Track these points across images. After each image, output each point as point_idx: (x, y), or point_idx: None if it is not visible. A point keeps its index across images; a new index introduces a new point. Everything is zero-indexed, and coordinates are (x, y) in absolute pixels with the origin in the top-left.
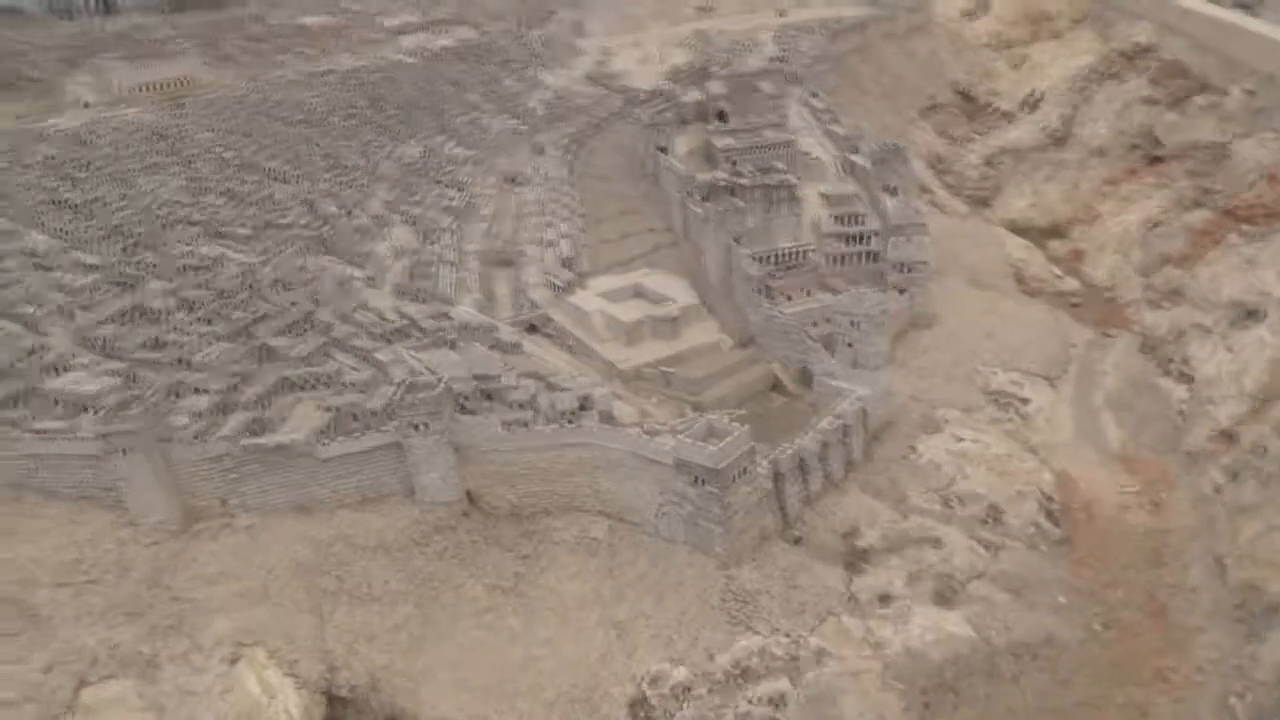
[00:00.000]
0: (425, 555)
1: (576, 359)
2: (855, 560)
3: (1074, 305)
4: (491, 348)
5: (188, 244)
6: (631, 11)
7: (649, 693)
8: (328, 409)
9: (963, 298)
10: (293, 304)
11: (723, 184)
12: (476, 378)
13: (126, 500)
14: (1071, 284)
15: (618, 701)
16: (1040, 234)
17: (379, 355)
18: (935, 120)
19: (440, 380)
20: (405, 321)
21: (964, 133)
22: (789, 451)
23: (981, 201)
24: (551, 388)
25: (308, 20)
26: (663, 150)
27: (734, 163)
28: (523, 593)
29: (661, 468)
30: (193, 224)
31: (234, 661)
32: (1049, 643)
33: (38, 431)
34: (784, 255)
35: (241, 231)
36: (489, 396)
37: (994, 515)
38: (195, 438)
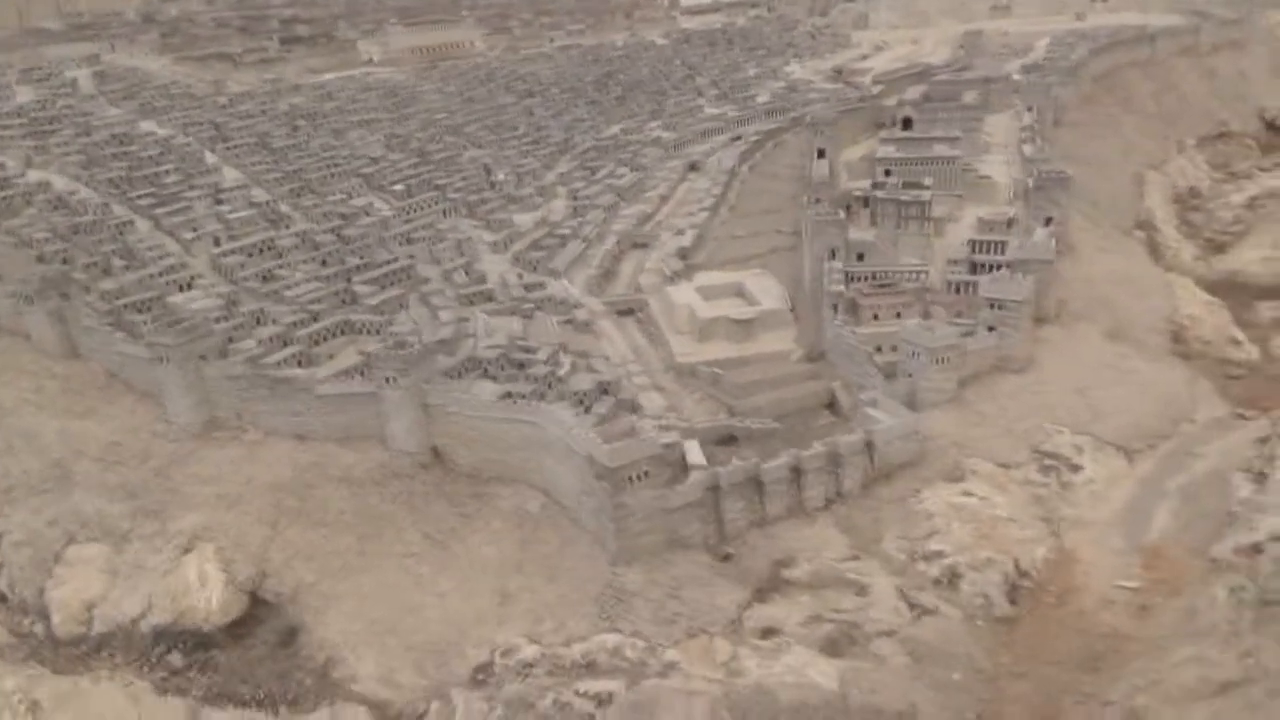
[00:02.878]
0: (380, 495)
1: (651, 347)
2: (769, 589)
3: (1231, 378)
4: (565, 323)
5: (346, 194)
6: (921, 7)
7: (498, 661)
8: (361, 353)
9: (1082, 347)
10: (410, 257)
11: (857, 194)
12: (509, 347)
13: (165, 401)
14: (1246, 354)
15: (469, 661)
16: (1256, 293)
17: (442, 313)
18: (1214, 151)
19: (419, 343)
20: (494, 286)
21: (1246, 168)
22: (729, 468)
23: (1218, 247)
24: (588, 369)
25: None
26: (821, 154)
27: (887, 173)
28: (447, 546)
29: (582, 457)
30: (360, 175)
31: (186, 551)
32: (903, 717)
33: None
34: (884, 274)
35: (397, 188)
36: (521, 366)
37: (949, 577)
38: (225, 357)
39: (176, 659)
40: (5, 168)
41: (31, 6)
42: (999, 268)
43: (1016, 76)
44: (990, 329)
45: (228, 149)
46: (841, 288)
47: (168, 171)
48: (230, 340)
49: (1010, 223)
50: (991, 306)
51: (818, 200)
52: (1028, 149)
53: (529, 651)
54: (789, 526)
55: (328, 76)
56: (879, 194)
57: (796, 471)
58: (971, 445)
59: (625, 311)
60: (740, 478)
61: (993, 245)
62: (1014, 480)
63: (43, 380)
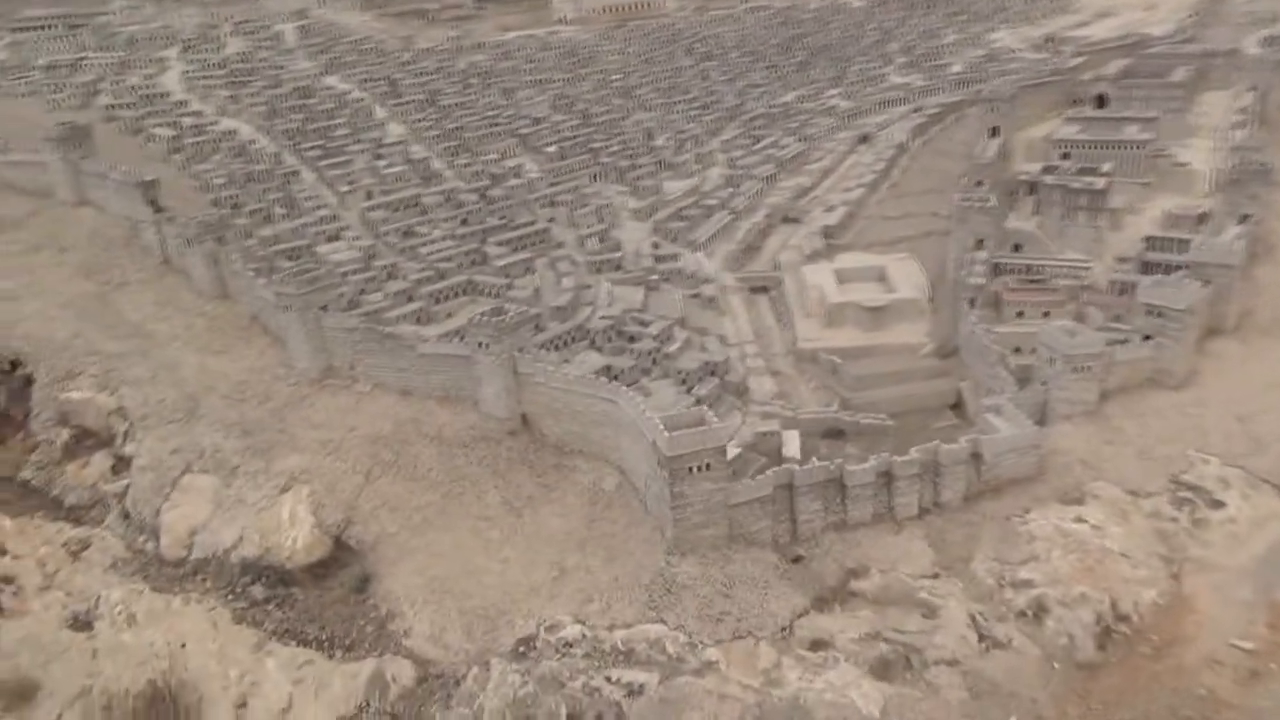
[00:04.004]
0: (468, 457)
1: (779, 328)
2: (831, 598)
3: None
4: (691, 298)
5: (500, 154)
6: None
7: (541, 635)
8: (480, 313)
9: (1259, 366)
10: (550, 220)
11: (1022, 178)
12: (622, 319)
13: (289, 347)
14: None
15: (515, 631)
16: None
17: (565, 279)
18: None
19: (522, 311)
20: (625, 255)
21: None
22: (805, 467)
23: None
24: (701, 348)
25: None
26: (994, 132)
27: (1065, 155)
28: (521, 514)
29: (650, 441)
30: (516, 136)
31: (284, 490)
32: None
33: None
34: (1038, 269)
35: (550, 150)
36: (631, 339)
37: (1035, 610)
38: (355, 308)
39: (258, 591)
40: (202, 115)
41: None
42: (1176, 269)
43: (1253, 51)
44: (1146, 338)
45: (397, 105)
46: (981, 280)
47: (338, 125)
48: (362, 292)
49: (1202, 218)
50: (1149, 313)
51: (978, 183)
52: (1239, 135)
53: (572, 630)
54: (872, 533)
55: (510, 35)
56: (1046, 179)
57: (887, 476)
58: (1100, 466)
59: (759, 289)
60: (819, 478)
61: (1173, 243)
62: (1140, 510)
63: (193, 318)
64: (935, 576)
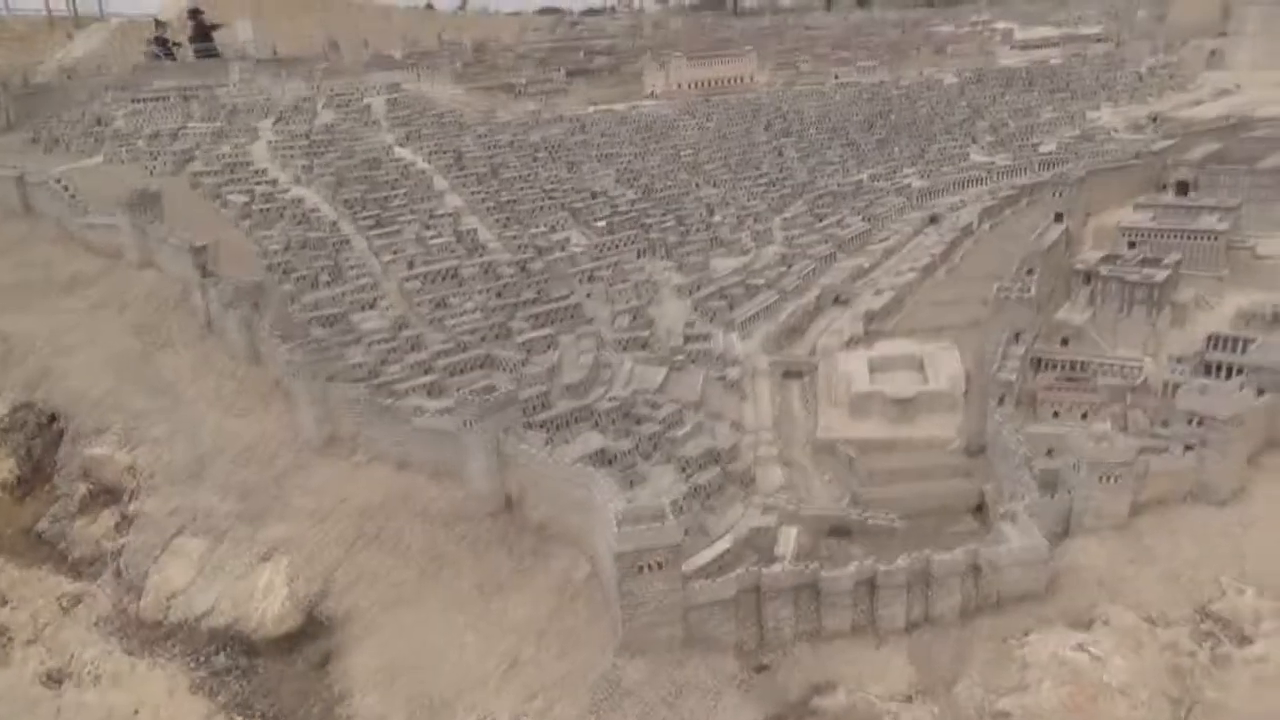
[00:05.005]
0: (449, 535)
1: (806, 416)
2: (789, 715)
3: None
4: (718, 380)
5: (550, 226)
6: None
7: None
8: (468, 390)
9: None
10: (588, 295)
11: (1079, 268)
12: (631, 400)
13: (296, 414)
14: None
15: None
16: None
17: (582, 356)
18: None
19: (511, 390)
20: (653, 333)
21: None
22: (772, 571)
23: None
24: (711, 434)
25: (940, 29)
26: (1059, 217)
27: (1132, 244)
28: (491, 598)
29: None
30: (568, 209)
31: (264, 559)
32: None
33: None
34: (1082, 365)
35: (599, 224)
36: (639, 421)
37: None
38: (367, 378)
39: (221, 660)
40: (277, 183)
41: (389, 36)
42: (1240, 372)
43: None
44: (1188, 448)
45: (459, 176)
46: (1013, 376)
47: (398, 195)
48: (383, 362)
49: (1277, 316)
50: (1190, 421)
51: (1029, 271)
52: None
53: None
54: (849, 645)
55: (591, 109)
56: (1103, 270)
57: (870, 585)
58: (1120, 587)
59: (793, 374)
60: (789, 582)
61: (1239, 343)
62: (1156, 641)
63: (224, 380)
64: (909, 699)
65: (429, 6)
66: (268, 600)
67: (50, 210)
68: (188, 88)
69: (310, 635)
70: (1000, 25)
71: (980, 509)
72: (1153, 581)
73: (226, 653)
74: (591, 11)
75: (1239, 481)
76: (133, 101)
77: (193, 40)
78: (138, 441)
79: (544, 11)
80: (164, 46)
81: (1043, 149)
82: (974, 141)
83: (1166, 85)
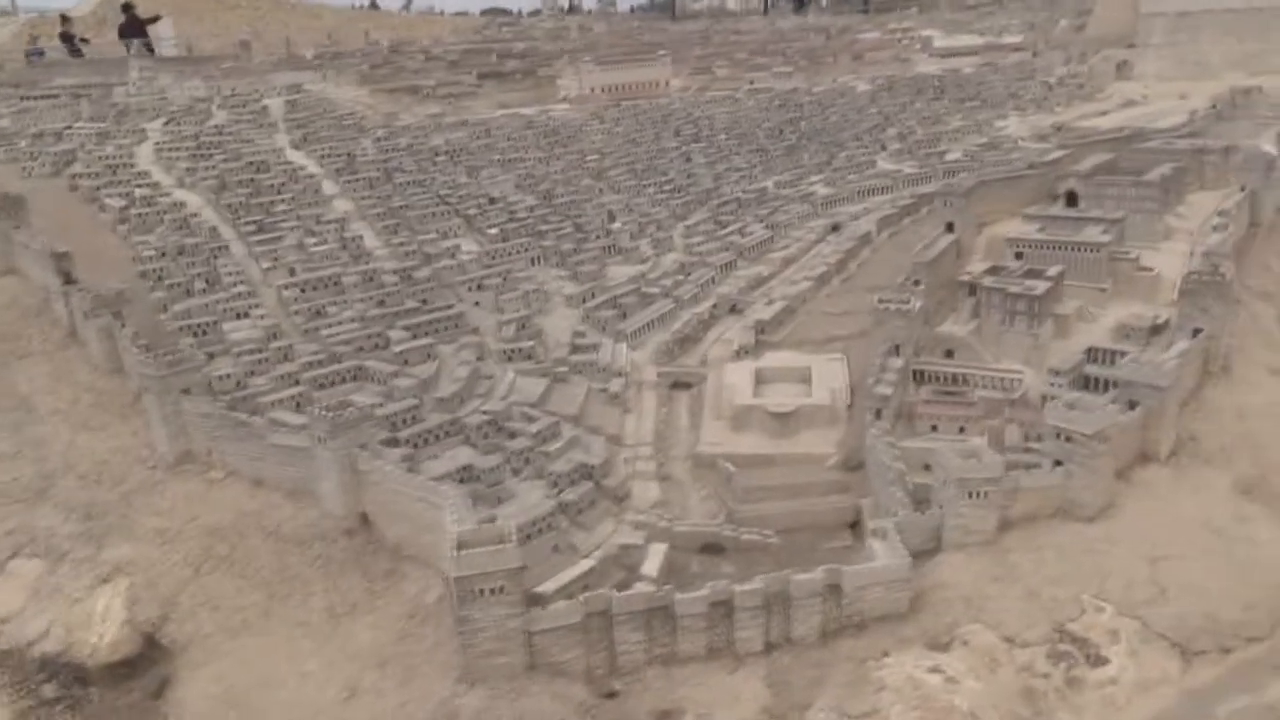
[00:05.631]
0: (302, 556)
1: (692, 430)
2: None
3: None
4: (600, 391)
5: (441, 233)
6: (1203, 55)
7: None
8: (321, 406)
9: (1190, 500)
10: (476, 304)
11: (963, 279)
12: (505, 413)
13: (150, 429)
14: None
15: None
16: None
17: (459, 368)
18: None
19: (365, 406)
20: (536, 344)
21: None
22: (622, 595)
23: None
24: (585, 448)
25: (863, 36)
26: (949, 228)
27: (1018, 255)
28: (340, 622)
29: None
30: (463, 215)
31: (105, 581)
32: None
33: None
34: (962, 378)
35: (492, 231)
36: (513, 435)
37: None
38: (227, 394)
39: (50, 690)
40: (159, 186)
41: (315, 35)
42: (1114, 385)
43: (1268, 149)
44: (1057, 463)
45: (350, 180)
46: (889, 390)
47: (283, 200)
48: (251, 374)
49: (1157, 329)
50: (1057, 437)
51: (915, 282)
52: (1214, 239)
53: None
54: (704, 669)
55: (498, 113)
56: (986, 281)
57: (727, 606)
58: (983, 606)
59: (682, 385)
60: (639, 606)
61: (1116, 356)
62: (1013, 662)
63: (81, 392)
64: None
65: (373, 5)
66: (104, 625)
67: None
68: (84, 86)
69: (149, 662)
70: (922, 33)
71: (856, 525)
72: (1015, 600)
73: (57, 681)
74: (534, 13)
75: (1106, 497)
76: (21, 99)
77: (123, 36)
78: None
79: (488, 12)
80: (70, 43)
81: (949, 157)
82: (882, 149)
83: (1075, 95)
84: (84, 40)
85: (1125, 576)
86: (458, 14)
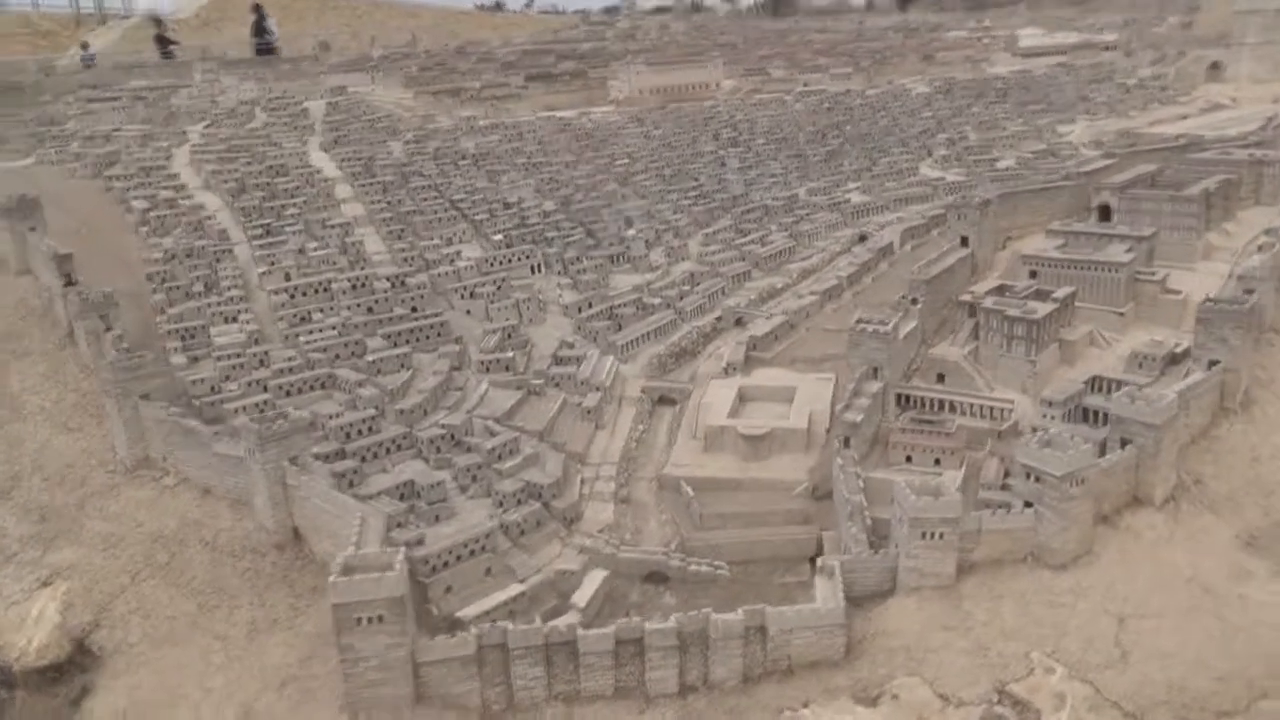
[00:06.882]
0: (234, 568)
1: (667, 449)
2: None
3: None
4: (576, 406)
5: (446, 239)
6: None
7: None
8: (255, 417)
9: (1181, 551)
10: (468, 312)
11: (962, 300)
12: (463, 426)
13: (111, 434)
14: None
15: None
16: None
17: (431, 377)
18: None
19: (301, 417)
20: (516, 355)
21: None
22: (517, 629)
23: None
24: (540, 466)
25: (948, 34)
26: (964, 242)
27: (1033, 274)
28: (258, 636)
29: None
30: (470, 220)
31: (45, 585)
32: None
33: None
34: (941, 405)
35: (496, 237)
36: (468, 450)
37: None
38: (201, 399)
39: None
40: (184, 189)
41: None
42: (1099, 420)
43: None
44: (1028, 505)
45: (364, 185)
46: (858, 417)
47: (294, 204)
48: (226, 379)
49: (1176, 359)
50: (1027, 477)
51: (913, 301)
52: (1253, 260)
53: None
54: (609, 709)
55: (532, 116)
56: (986, 303)
57: (639, 645)
58: (924, 658)
59: (668, 401)
60: (536, 641)
61: (1117, 387)
62: None
63: (67, 393)
64: None
65: (498, 6)
66: (36, 629)
67: None
68: (151, 89)
69: (76, 668)
70: (1012, 31)
71: (817, 558)
72: (960, 653)
73: None
74: (610, 10)
75: (1081, 544)
76: (89, 102)
77: (255, 35)
78: None
79: (579, 12)
80: (163, 45)
81: (999, 165)
82: (928, 155)
83: (1155, 98)
84: (174, 43)
85: (1086, 634)
86: (543, 12)
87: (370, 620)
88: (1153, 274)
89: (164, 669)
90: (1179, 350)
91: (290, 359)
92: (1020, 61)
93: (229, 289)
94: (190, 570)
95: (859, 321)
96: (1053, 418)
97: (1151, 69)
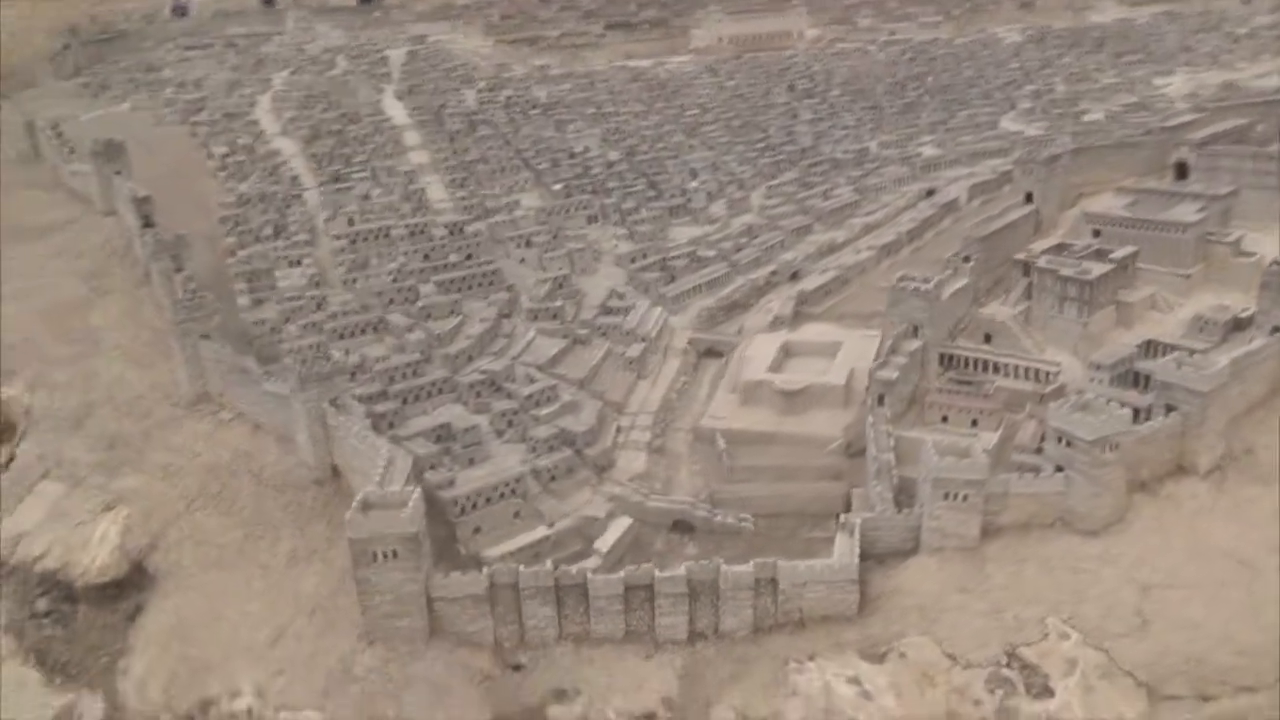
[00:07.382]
0: (278, 501)
1: (707, 400)
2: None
3: None
4: (620, 356)
5: (507, 188)
6: None
7: (221, 704)
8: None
9: (1220, 522)
10: (522, 261)
11: (1018, 258)
12: (505, 373)
13: (175, 369)
14: None
15: (202, 692)
16: None
17: (479, 324)
18: None
19: (338, 360)
20: (565, 304)
21: None
22: (528, 570)
23: None
24: (575, 414)
25: None
26: (1028, 198)
27: (1097, 233)
28: (295, 567)
29: None
30: (533, 169)
31: (107, 509)
32: None
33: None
34: (985, 365)
35: (556, 186)
36: (509, 396)
37: None
38: (260, 340)
39: (43, 604)
40: (262, 135)
41: None
42: (1144, 383)
43: None
44: (1058, 469)
45: (433, 133)
46: (893, 374)
47: (364, 151)
48: (287, 320)
49: (1240, 324)
50: (1059, 441)
51: (966, 259)
52: None
53: (242, 703)
54: (616, 652)
55: (611, 65)
56: (1040, 262)
57: (649, 590)
58: (938, 617)
59: (715, 354)
60: (545, 582)
61: (1170, 352)
62: (948, 682)
63: (140, 330)
64: (651, 717)
65: None
66: (99, 549)
67: (50, 156)
68: (248, 36)
69: (133, 587)
70: None
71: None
72: (974, 614)
73: (51, 597)
74: None
75: (1114, 511)
76: (185, 50)
77: None
78: (40, 386)
79: None
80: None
81: (1087, 118)
82: (1012, 108)
83: (1267, 49)
84: None
85: (1107, 602)
86: None
87: (385, 555)
88: (1226, 235)
89: (210, 592)
90: (1244, 315)
91: (345, 303)
92: (1127, 9)
93: (296, 233)
94: (239, 501)
95: (901, 279)
96: (1100, 381)
97: (1271, 16)
